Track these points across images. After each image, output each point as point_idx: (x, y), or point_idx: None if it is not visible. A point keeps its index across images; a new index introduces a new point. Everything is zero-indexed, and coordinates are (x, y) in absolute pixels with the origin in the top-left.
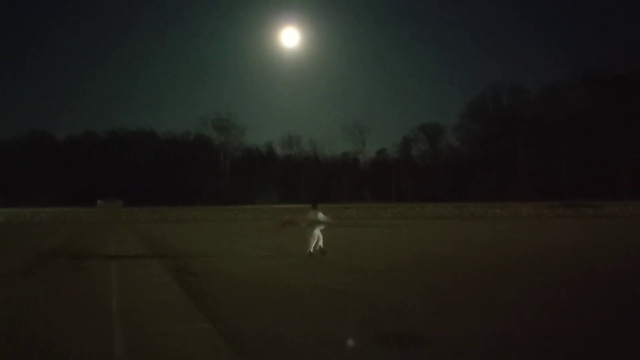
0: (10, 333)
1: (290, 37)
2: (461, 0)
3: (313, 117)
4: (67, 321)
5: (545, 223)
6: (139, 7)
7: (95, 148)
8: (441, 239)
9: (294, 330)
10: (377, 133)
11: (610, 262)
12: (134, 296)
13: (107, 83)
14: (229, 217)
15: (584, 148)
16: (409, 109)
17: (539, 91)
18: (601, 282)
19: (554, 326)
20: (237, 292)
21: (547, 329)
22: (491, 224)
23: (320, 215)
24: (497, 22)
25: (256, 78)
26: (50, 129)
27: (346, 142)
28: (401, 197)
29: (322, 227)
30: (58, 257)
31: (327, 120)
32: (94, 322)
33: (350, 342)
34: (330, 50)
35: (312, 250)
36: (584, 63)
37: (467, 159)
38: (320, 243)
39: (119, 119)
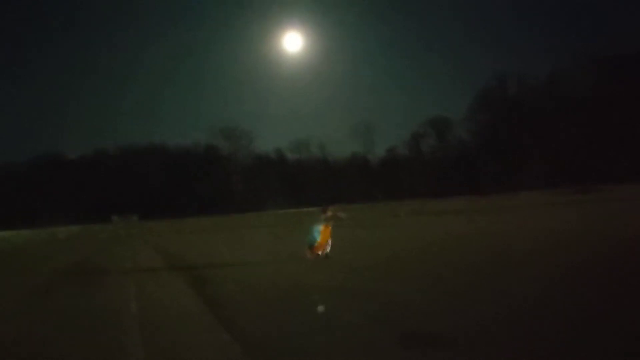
0: (29, 352)
1: (293, 41)
2: None
3: (321, 120)
4: (85, 334)
5: (559, 210)
6: (142, 21)
7: (107, 165)
8: (457, 233)
9: (317, 338)
10: (386, 131)
11: (623, 244)
12: (152, 309)
13: (114, 100)
14: (243, 224)
15: (593, 131)
16: (416, 105)
17: (545, 77)
18: (619, 265)
19: (565, 314)
20: (256, 301)
21: (558, 317)
22: (506, 214)
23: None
24: (498, 10)
25: (262, 84)
26: (62, 149)
27: (355, 142)
28: (413, 194)
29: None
30: (75, 275)
31: (335, 122)
32: (112, 335)
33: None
34: (333, 51)
35: (328, 251)
36: (588, 46)
37: (477, 150)
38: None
39: (129, 135)
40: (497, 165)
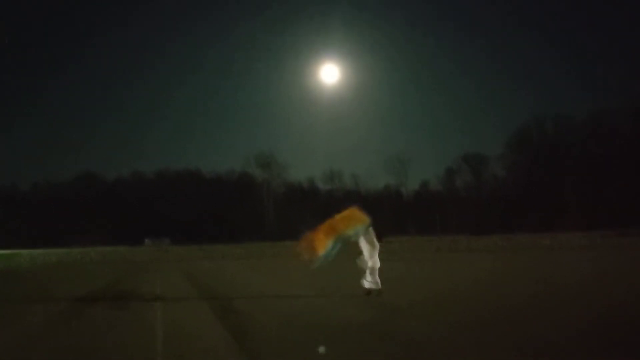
0: None
1: (330, 73)
2: (501, 30)
3: (354, 151)
4: None
5: (600, 253)
6: (182, 48)
7: (142, 188)
8: (494, 274)
9: None
10: (420, 165)
11: None
12: (178, 339)
13: (153, 124)
14: (273, 253)
15: (634, 173)
16: (451, 140)
17: (585, 118)
18: None
19: None
20: (285, 334)
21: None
22: (543, 256)
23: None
24: (538, 50)
25: (297, 114)
26: (100, 170)
27: (388, 175)
28: (446, 230)
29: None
30: (104, 299)
31: (369, 154)
32: None
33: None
34: (370, 84)
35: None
36: (629, 88)
37: (513, 189)
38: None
39: (165, 159)
40: (533, 204)
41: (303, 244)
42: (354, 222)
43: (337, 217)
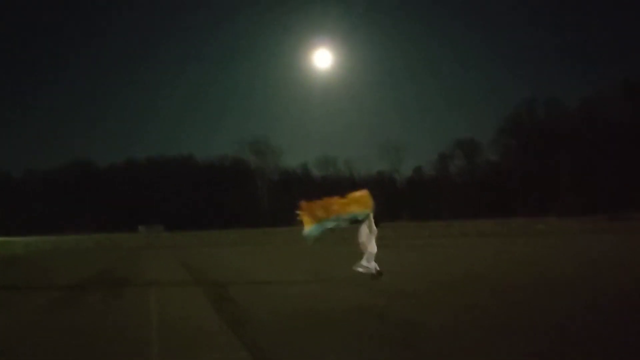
0: None
1: (323, 58)
2: (493, 15)
3: (348, 137)
4: (103, 352)
5: (593, 238)
6: (175, 35)
7: (136, 175)
8: (485, 258)
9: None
10: (413, 151)
11: None
12: (172, 324)
13: (146, 111)
14: (268, 239)
15: (627, 159)
16: (445, 126)
17: (577, 103)
18: None
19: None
20: (279, 320)
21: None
22: (537, 241)
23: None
24: (530, 36)
25: (290, 100)
26: (93, 158)
27: (382, 160)
28: (440, 215)
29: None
30: (99, 285)
31: (363, 139)
32: (130, 351)
33: None
34: (363, 69)
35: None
36: (621, 72)
37: (506, 174)
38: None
39: (159, 146)
40: (526, 189)
41: (307, 209)
42: (361, 206)
43: (350, 196)
